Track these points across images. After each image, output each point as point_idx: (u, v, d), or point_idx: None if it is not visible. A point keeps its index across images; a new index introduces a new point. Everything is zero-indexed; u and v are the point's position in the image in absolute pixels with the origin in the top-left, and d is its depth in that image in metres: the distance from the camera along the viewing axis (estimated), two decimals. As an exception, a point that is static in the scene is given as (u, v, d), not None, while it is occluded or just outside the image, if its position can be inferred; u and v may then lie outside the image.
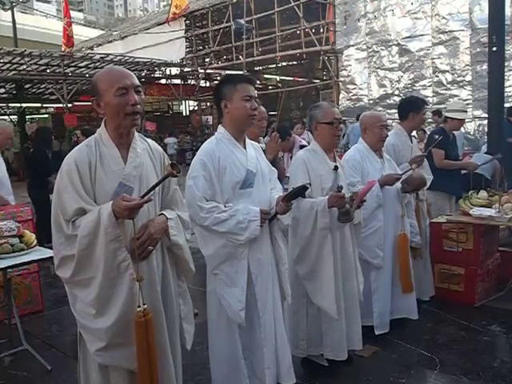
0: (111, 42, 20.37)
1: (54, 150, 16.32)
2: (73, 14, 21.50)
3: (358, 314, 2.88)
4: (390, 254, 3.23)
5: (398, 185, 3.26)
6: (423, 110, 3.77)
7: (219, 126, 2.43)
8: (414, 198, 3.61)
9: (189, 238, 2.09)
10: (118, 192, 1.82)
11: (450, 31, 11.00)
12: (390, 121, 8.54)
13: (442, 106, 10.55)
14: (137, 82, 1.89)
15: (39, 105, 19.40)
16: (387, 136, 3.35)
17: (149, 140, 2.07)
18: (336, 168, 2.78)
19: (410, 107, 3.75)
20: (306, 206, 2.62)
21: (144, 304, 1.78)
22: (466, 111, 4.49)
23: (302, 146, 5.03)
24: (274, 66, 19.21)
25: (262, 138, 3.43)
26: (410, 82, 11.83)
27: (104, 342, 1.78)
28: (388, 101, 12.18)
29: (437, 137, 3.98)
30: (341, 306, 2.72)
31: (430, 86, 11.51)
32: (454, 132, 4.40)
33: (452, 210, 4.34)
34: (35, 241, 3.29)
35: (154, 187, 1.80)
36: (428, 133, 7.61)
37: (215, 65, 17.83)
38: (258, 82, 19.79)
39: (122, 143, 1.90)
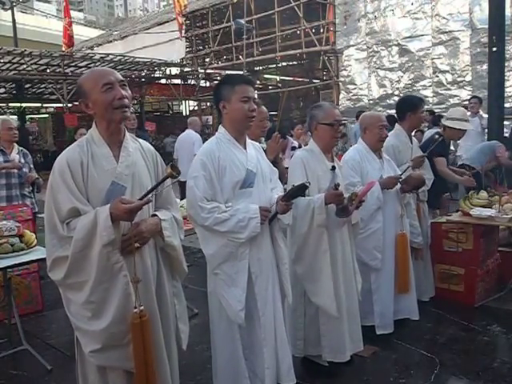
0: (111, 41, 20.34)
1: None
2: (73, 13, 21.46)
3: (357, 314, 2.88)
4: (391, 254, 3.23)
5: (397, 185, 3.26)
6: (421, 109, 3.70)
7: (220, 126, 2.43)
8: (414, 198, 3.61)
9: (183, 238, 2.10)
10: (110, 191, 1.83)
11: (450, 31, 10.98)
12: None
13: (443, 106, 10.55)
14: (120, 77, 1.91)
15: (39, 105, 19.39)
16: (387, 136, 3.35)
17: (140, 140, 2.07)
18: (333, 168, 2.78)
19: (407, 107, 3.71)
20: (303, 204, 2.62)
21: (140, 305, 1.78)
22: (467, 120, 4.18)
23: (293, 148, 5.04)
24: (274, 66, 19.19)
25: (262, 138, 3.42)
26: (410, 82, 11.81)
27: (99, 344, 1.78)
28: (388, 101, 12.14)
29: (437, 136, 3.96)
30: (342, 306, 2.72)
31: (430, 86, 11.49)
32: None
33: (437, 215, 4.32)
34: (35, 241, 3.29)
35: (153, 189, 1.81)
36: (426, 133, 7.64)
37: (215, 65, 17.81)
38: (258, 82, 19.79)
39: (113, 142, 1.91)
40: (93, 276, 1.75)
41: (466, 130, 4.14)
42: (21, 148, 4.59)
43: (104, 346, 1.78)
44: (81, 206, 1.78)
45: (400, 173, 3.28)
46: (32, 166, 4.69)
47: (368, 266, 3.20)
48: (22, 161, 4.52)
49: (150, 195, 1.81)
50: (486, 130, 6.74)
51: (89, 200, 1.82)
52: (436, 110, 9.90)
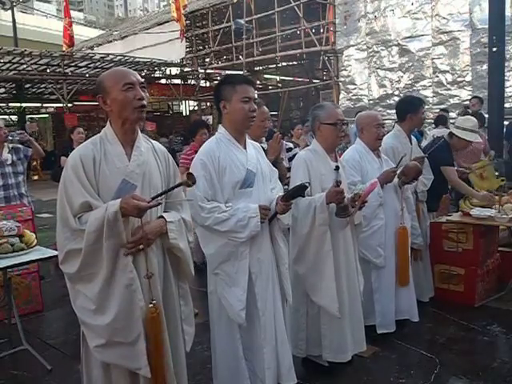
0: (111, 41, 20.33)
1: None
2: (73, 13, 21.46)
3: (360, 314, 2.88)
4: (392, 251, 3.22)
5: (395, 180, 3.26)
6: (421, 109, 3.69)
7: (219, 125, 2.43)
8: (413, 196, 3.61)
9: (191, 239, 2.10)
10: (121, 189, 1.86)
11: (450, 31, 10.98)
12: (390, 121, 8.53)
13: (443, 106, 10.55)
14: (141, 79, 1.95)
15: (39, 105, 19.40)
16: (384, 135, 3.35)
17: (153, 140, 2.11)
18: (337, 168, 2.77)
19: (408, 108, 3.69)
20: (304, 204, 2.61)
21: (153, 300, 1.81)
22: (477, 131, 3.98)
23: (288, 149, 5.02)
24: (274, 66, 19.19)
25: (263, 138, 3.41)
26: (410, 82, 11.81)
27: (103, 339, 1.80)
28: (388, 101, 12.15)
29: (437, 137, 3.95)
30: (344, 306, 2.72)
31: (430, 86, 11.49)
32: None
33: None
34: (35, 241, 3.29)
35: (165, 192, 1.85)
36: (427, 133, 7.56)
37: (215, 65, 17.81)
38: (258, 82, 19.79)
39: (126, 141, 1.94)
40: (103, 268, 1.78)
41: (472, 142, 4.01)
42: (11, 145, 4.54)
43: (108, 342, 1.80)
44: (93, 200, 1.81)
45: (395, 166, 3.26)
46: (28, 153, 4.61)
47: (369, 265, 3.20)
48: (15, 159, 4.47)
49: (161, 198, 1.84)
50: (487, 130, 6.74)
51: (99, 196, 1.85)
52: (436, 111, 9.90)
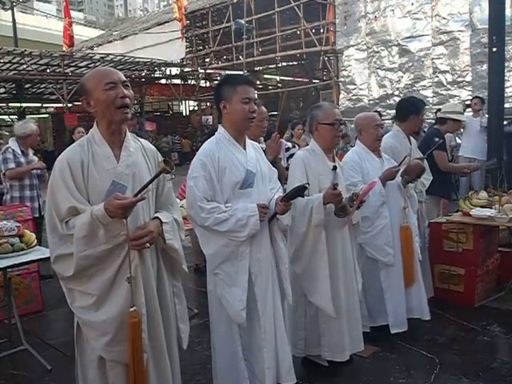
0: (111, 42, 20.35)
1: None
2: (73, 13, 21.49)
3: (358, 314, 2.88)
4: (399, 249, 3.20)
5: (398, 179, 3.26)
6: (423, 112, 3.73)
7: (219, 125, 2.43)
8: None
9: (184, 237, 2.10)
10: (111, 190, 1.83)
11: (450, 32, 11.00)
12: (390, 121, 8.53)
13: (442, 106, 10.58)
14: (123, 77, 1.92)
15: (39, 105, 19.44)
16: (383, 135, 3.35)
17: (142, 139, 2.08)
18: (335, 168, 2.77)
19: (411, 109, 3.69)
20: (301, 204, 2.61)
21: (133, 306, 1.79)
22: (462, 113, 4.34)
23: (287, 149, 5.02)
24: (274, 66, 19.21)
25: (262, 138, 3.42)
26: (410, 82, 11.82)
27: (110, 335, 1.79)
28: (388, 101, 12.16)
29: (437, 139, 3.96)
30: (342, 305, 2.72)
31: (430, 86, 11.50)
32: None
33: (440, 213, 4.33)
34: (35, 241, 3.29)
35: (147, 185, 1.80)
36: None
37: (215, 65, 17.83)
38: (258, 82, 19.80)
39: (114, 142, 1.91)
40: (107, 266, 1.79)
41: (461, 123, 4.45)
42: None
43: (114, 337, 1.79)
44: (79, 205, 1.79)
45: (397, 164, 3.26)
46: None
47: (376, 265, 3.19)
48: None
49: (144, 192, 1.80)
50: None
51: (90, 200, 1.83)
52: (435, 111, 9.90)
